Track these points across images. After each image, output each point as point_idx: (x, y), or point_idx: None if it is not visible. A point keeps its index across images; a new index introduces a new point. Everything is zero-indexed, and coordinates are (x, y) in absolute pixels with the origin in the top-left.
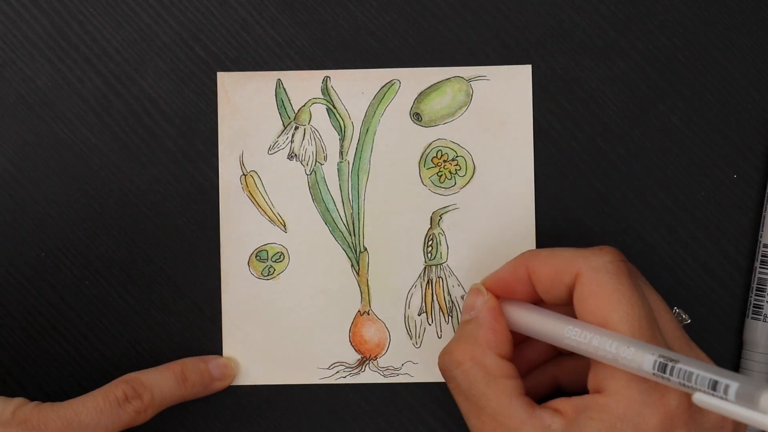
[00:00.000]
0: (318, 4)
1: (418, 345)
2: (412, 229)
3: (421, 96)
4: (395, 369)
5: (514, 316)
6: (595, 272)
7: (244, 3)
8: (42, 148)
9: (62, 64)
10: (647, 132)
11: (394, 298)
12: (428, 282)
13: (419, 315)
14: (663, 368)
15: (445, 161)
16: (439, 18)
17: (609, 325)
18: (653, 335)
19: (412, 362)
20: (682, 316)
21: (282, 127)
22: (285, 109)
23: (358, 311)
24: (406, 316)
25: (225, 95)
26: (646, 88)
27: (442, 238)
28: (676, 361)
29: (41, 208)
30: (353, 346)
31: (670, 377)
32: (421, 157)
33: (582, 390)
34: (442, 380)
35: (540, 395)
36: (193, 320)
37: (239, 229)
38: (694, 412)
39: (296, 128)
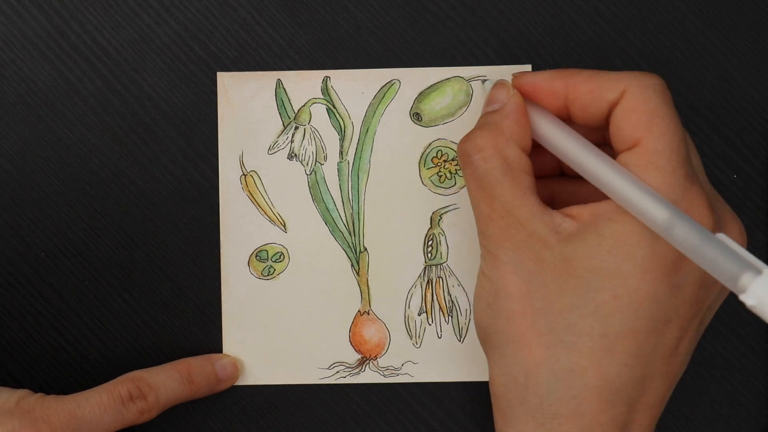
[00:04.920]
0: (318, 4)
1: (418, 345)
2: (412, 229)
3: (421, 96)
4: (395, 369)
5: (537, 122)
6: (644, 89)
7: (244, 3)
8: (42, 148)
9: (62, 64)
10: None
11: (394, 298)
12: (428, 282)
13: (419, 315)
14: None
15: (445, 161)
16: (439, 18)
17: (646, 139)
18: (687, 158)
19: (412, 362)
20: None
21: (282, 127)
22: (285, 109)
23: (358, 311)
24: (406, 316)
25: (225, 95)
26: None
27: (442, 238)
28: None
29: (41, 208)
30: (353, 346)
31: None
32: (421, 157)
33: None
34: (442, 380)
35: None
36: (193, 320)
37: (239, 229)
38: None
39: (296, 128)
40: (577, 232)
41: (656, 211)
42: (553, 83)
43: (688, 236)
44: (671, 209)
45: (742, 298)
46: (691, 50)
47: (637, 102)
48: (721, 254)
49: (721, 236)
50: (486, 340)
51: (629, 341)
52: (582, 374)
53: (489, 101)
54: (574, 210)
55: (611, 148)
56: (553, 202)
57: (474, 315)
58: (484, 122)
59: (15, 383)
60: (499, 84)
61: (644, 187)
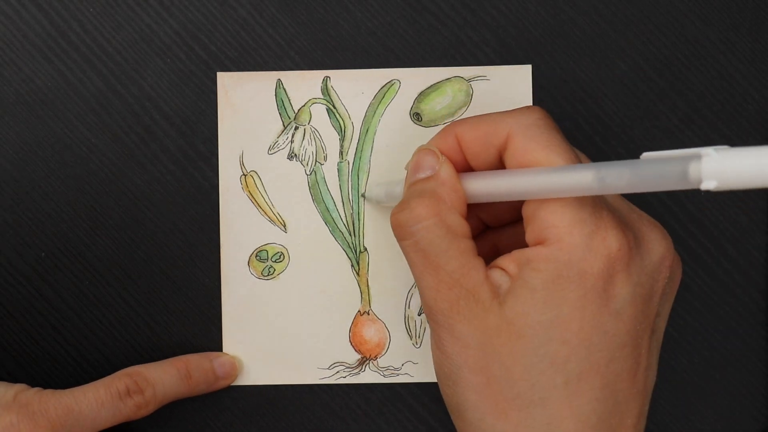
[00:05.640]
0: (318, 4)
1: (418, 345)
2: None
3: (421, 96)
4: (395, 369)
5: (467, 184)
6: (527, 129)
7: (244, 3)
8: (42, 148)
9: (62, 64)
10: (647, 132)
11: (394, 298)
12: None
13: (419, 315)
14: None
15: None
16: (439, 18)
17: None
18: None
19: (412, 362)
20: None
21: (282, 127)
22: (285, 109)
23: (358, 311)
24: (406, 316)
25: (225, 95)
26: (646, 88)
27: None
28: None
29: (41, 208)
30: (353, 346)
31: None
32: None
33: None
34: None
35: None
36: (193, 320)
37: (239, 229)
38: (634, 255)
39: (296, 128)
40: (511, 290)
41: (583, 177)
42: (447, 141)
43: (621, 176)
44: (592, 166)
45: (704, 186)
46: (691, 50)
47: (525, 144)
48: (658, 167)
49: (646, 154)
50: (460, 416)
51: (592, 377)
52: (560, 424)
53: (416, 168)
54: (502, 262)
55: None
56: (496, 252)
57: (442, 393)
58: (420, 191)
59: (14, 383)
60: (424, 151)
61: (558, 168)
